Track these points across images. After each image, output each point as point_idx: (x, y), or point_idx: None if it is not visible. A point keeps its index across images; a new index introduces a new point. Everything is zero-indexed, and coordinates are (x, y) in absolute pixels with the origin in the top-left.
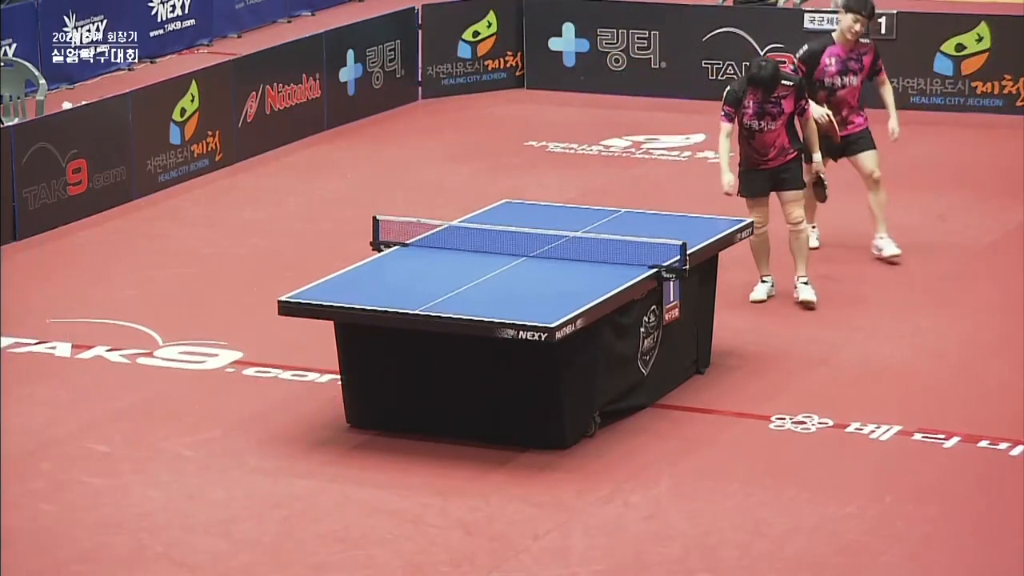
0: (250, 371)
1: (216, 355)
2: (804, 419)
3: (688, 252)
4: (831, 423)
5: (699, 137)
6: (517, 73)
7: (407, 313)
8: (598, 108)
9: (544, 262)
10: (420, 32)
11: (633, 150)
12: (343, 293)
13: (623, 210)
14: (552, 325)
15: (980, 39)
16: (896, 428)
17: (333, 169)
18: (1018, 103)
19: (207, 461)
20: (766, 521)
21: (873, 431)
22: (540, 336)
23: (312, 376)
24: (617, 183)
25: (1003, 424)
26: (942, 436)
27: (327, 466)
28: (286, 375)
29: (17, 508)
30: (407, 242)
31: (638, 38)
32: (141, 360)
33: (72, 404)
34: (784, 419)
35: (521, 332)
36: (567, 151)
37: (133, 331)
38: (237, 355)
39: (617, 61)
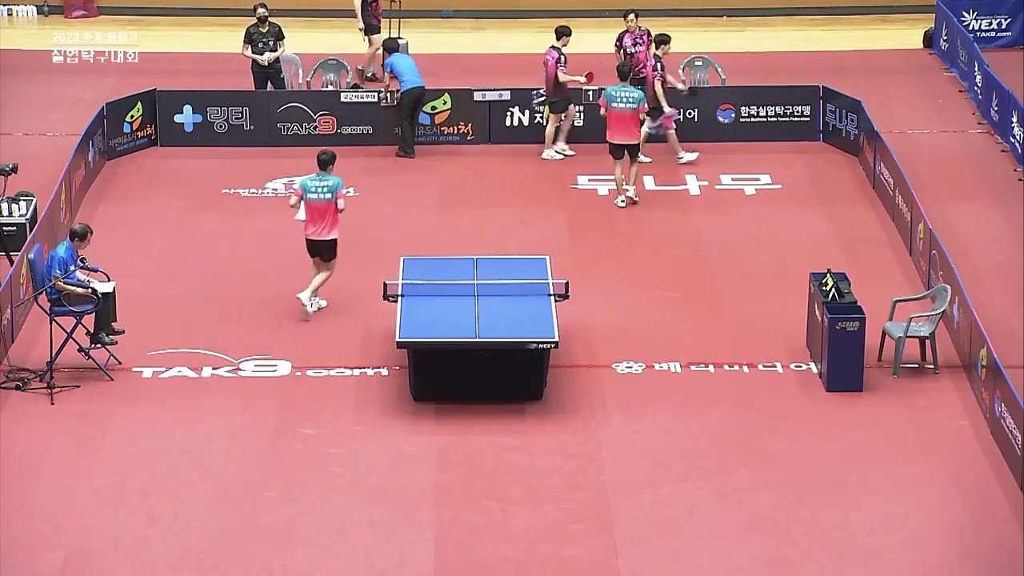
0: (311, 372)
1: (275, 365)
2: None
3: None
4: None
5: None
6: None
7: (473, 339)
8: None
9: (492, 299)
10: None
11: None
12: (422, 330)
13: (476, 257)
14: (556, 339)
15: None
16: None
17: None
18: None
19: (366, 430)
20: None
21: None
22: (552, 345)
23: (349, 372)
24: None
25: None
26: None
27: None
28: (334, 372)
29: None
30: (402, 294)
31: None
32: (241, 373)
33: (246, 409)
34: None
35: (541, 344)
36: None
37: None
38: (288, 363)
39: None
